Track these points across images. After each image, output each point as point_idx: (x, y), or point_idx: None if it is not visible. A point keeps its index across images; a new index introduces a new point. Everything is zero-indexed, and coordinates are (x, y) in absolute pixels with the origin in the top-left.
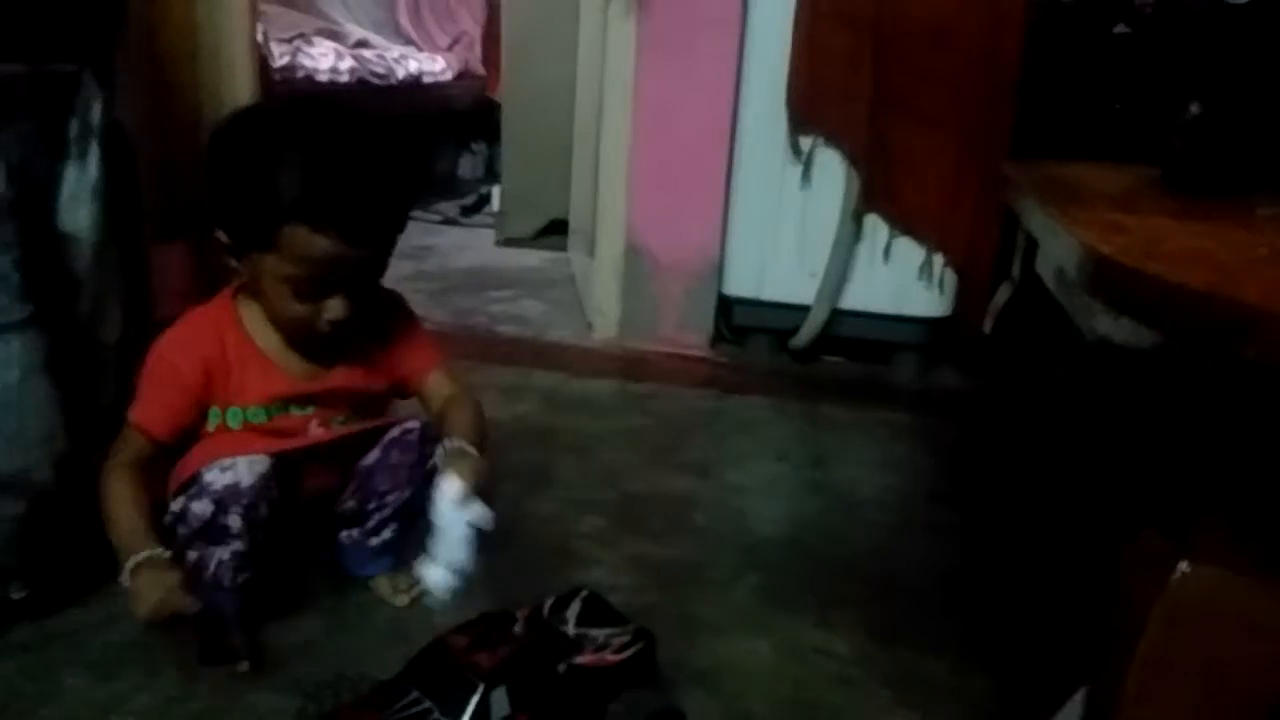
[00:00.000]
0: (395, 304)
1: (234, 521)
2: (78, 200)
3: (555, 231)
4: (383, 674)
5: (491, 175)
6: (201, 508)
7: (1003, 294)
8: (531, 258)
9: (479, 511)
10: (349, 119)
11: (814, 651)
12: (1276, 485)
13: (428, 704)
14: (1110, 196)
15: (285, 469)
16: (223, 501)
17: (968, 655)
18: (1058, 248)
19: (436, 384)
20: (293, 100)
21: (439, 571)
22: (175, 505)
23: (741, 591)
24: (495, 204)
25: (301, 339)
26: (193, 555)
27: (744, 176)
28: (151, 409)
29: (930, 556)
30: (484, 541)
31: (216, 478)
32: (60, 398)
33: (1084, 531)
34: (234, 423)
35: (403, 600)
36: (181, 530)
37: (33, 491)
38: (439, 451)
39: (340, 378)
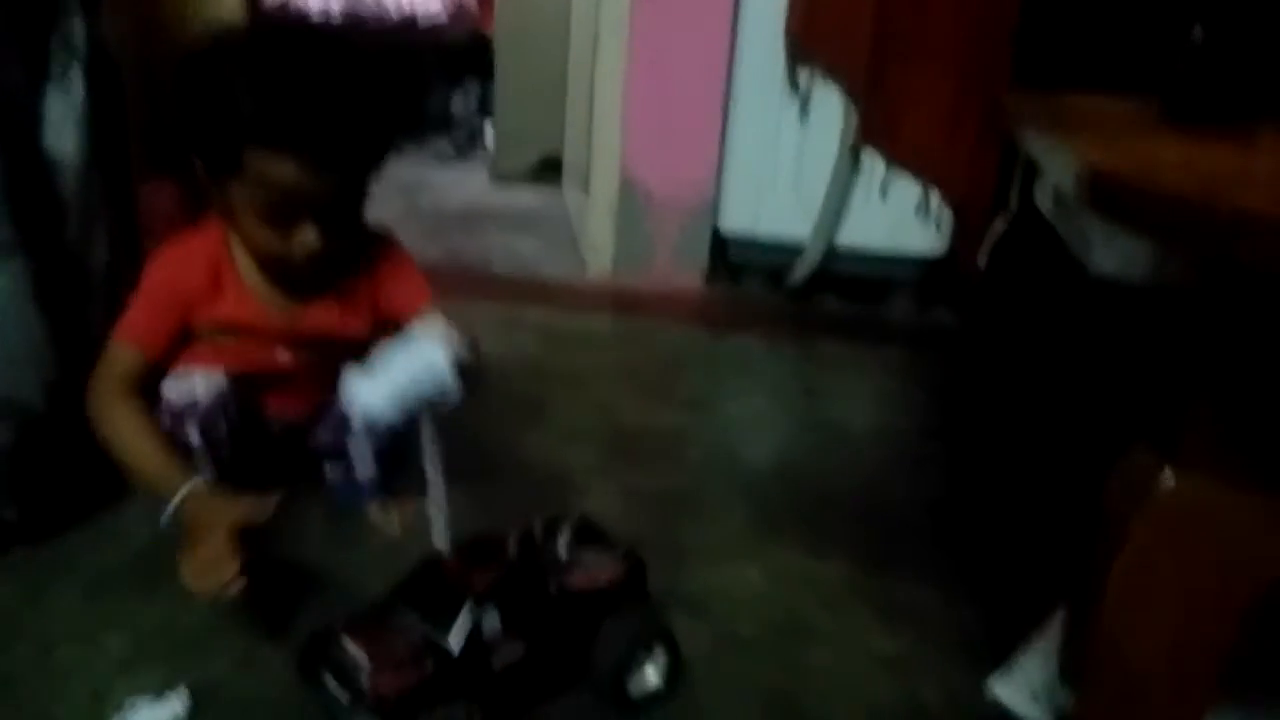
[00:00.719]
0: (385, 241)
1: (193, 435)
2: (62, 124)
3: (550, 169)
4: (376, 595)
5: (485, 111)
6: (160, 422)
7: (999, 225)
8: (525, 195)
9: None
10: (321, 43)
11: (803, 579)
12: (1264, 397)
13: (420, 621)
14: (1111, 122)
15: (247, 392)
16: (179, 415)
17: (955, 583)
18: (1056, 166)
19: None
20: (263, 24)
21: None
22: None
23: (732, 521)
24: (489, 141)
25: (277, 271)
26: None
27: (740, 112)
28: (143, 325)
29: (920, 489)
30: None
31: (173, 391)
32: (49, 324)
33: (1072, 462)
34: (201, 340)
35: (395, 529)
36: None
37: (23, 416)
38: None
39: (317, 317)
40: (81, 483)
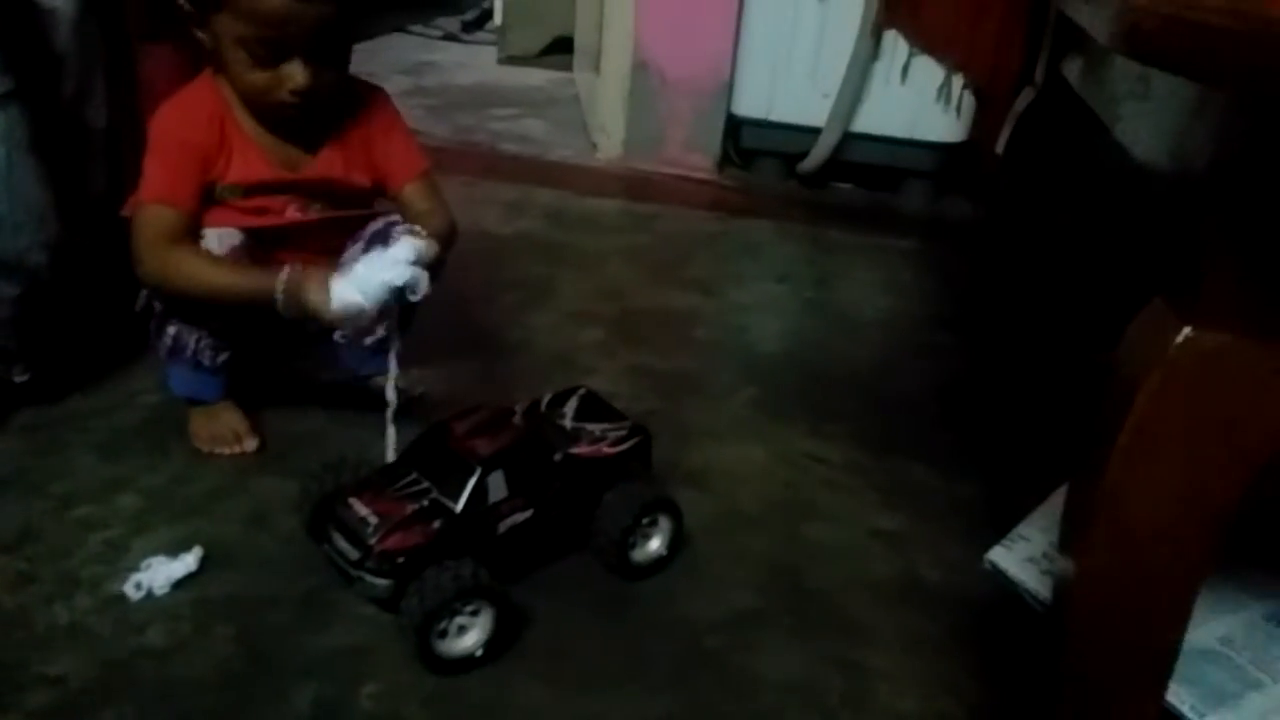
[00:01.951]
0: (377, 97)
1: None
2: None
3: (560, 49)
4: (383, 461)
5: None
6: None
7: (1023, 100)
8: (535, 76)
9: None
10: None
11: (806, 458)
12: None
13: (426, 484)
14: None
15: (260, 249)
16: None
17: (957, 463)
18: (1088, 14)
19: (414, 194)
20: None
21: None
22: (159, 306)
23: (738, 402)
24: (498, 19)
25: (269, 114)
26: (171, 331)
27: None
28: (170, 181)
29: (928, 375)
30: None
31: None
32: (49, 179)
33: (1083, 344)
34: (212, 200)
35: (400, 396)
36: (158, 306)
37: (28, 274)
38: (397, 229)
39: (322, 166)
40: (90, 344)
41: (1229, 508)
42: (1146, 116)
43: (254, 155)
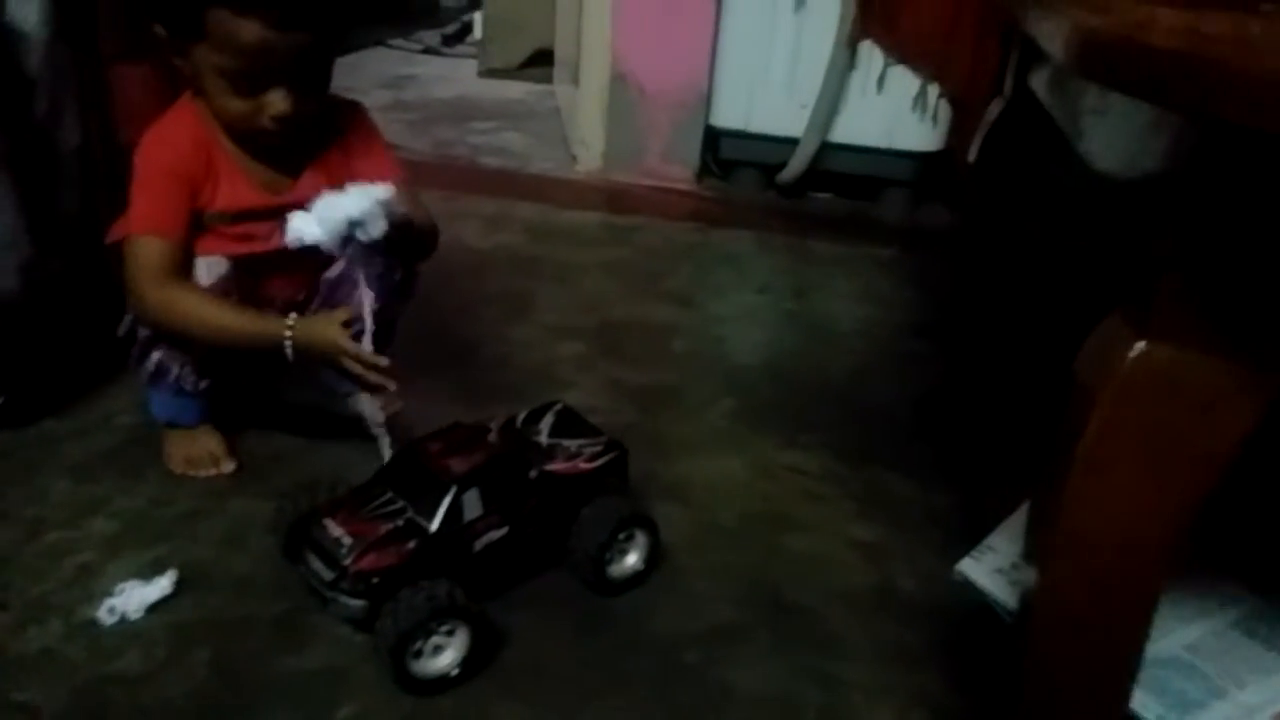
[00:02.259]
0: (355, 112)
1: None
2: None
3: (541, 62)
4: (360, 481)
5: (474, 2)
6: None
7: (993, 111)
8: (515, 89)
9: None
10: None
11: (784, 469)
12: (1235, 267)
13: (401, 504)
14: None
15: (246, 274)
16: None
17: (935, 474)
18: (1047, 31)
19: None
20: None
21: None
22: (143, 334)
23: (716, 414)
24: (478, 32)
25: (251, 141)
26: (155, 357)
27: (735, 3)
28: (159, 211)
29: (906, 385)
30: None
31: None
32: (20, 201)
33: (1054, 353)
34: (199, 227)
35: (381, 416)
36: (142, 333)
37: (0, 300)
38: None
39: (306, 188)
40: (64, 366)
41: (1185, 519)
42: (1105, 132)
43: (240, 181)
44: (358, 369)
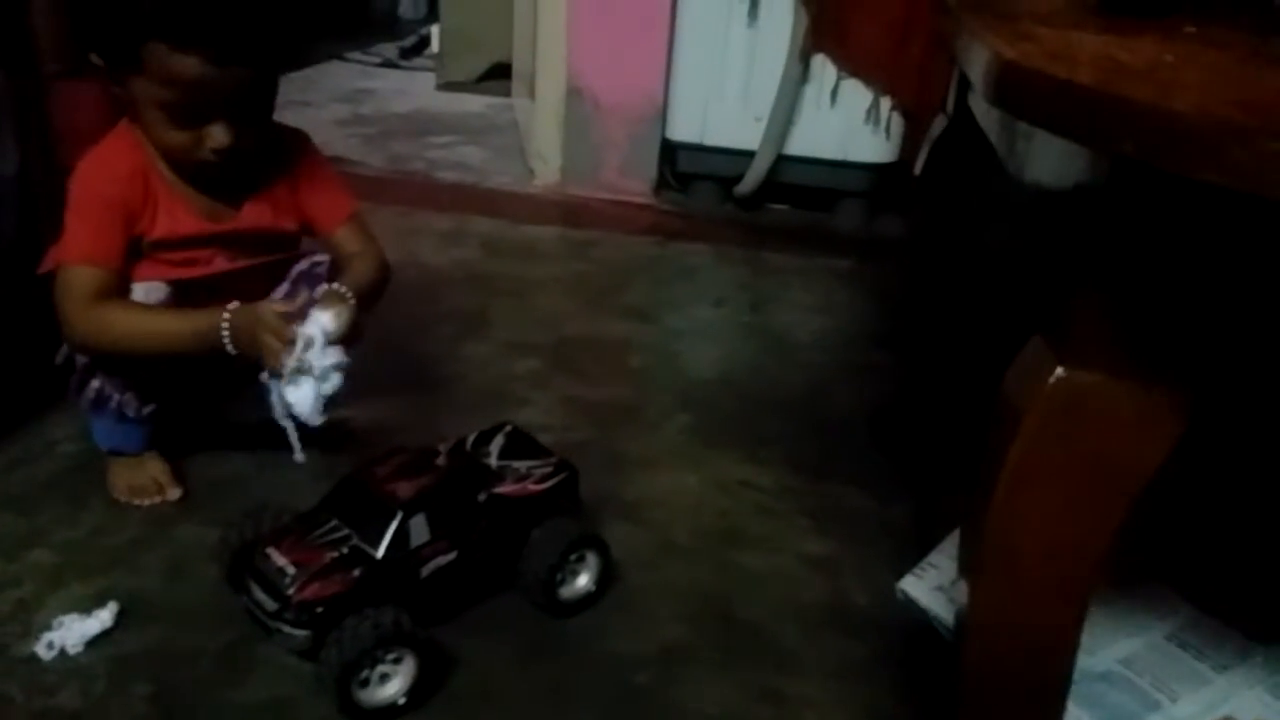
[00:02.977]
0: (300, 141)
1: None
2: None
3: (499, 75)
4: (307, 507)
5: (432, 15)
6: None
7: (936, 128)
8: (473, 103)
9: (334, 359)
10: None
11: (739, 485)
12: (1151, 292)
13: (346, 531)
14: (1038, 13)
15: (186, 299)
16: None
17: (890, 488)
18: (971, 60)
19: (344, 238)
20: None
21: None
22: (81, 360)
23: (672, 430)
24: (436, 46)
25: (191, 171)
26: (94, 385)
27: (688, 17)
28: (95, 240)
29: (862, 396)
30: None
31: None
32: None
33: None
34: (138, 254)
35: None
36: (79, 361)
37: None
38: (319, 289)
39: (248, 216)
40: (3, 395)
41: (1107, 538)
42: (1033, 153)
43: (179, 210)
44: (274, 343)
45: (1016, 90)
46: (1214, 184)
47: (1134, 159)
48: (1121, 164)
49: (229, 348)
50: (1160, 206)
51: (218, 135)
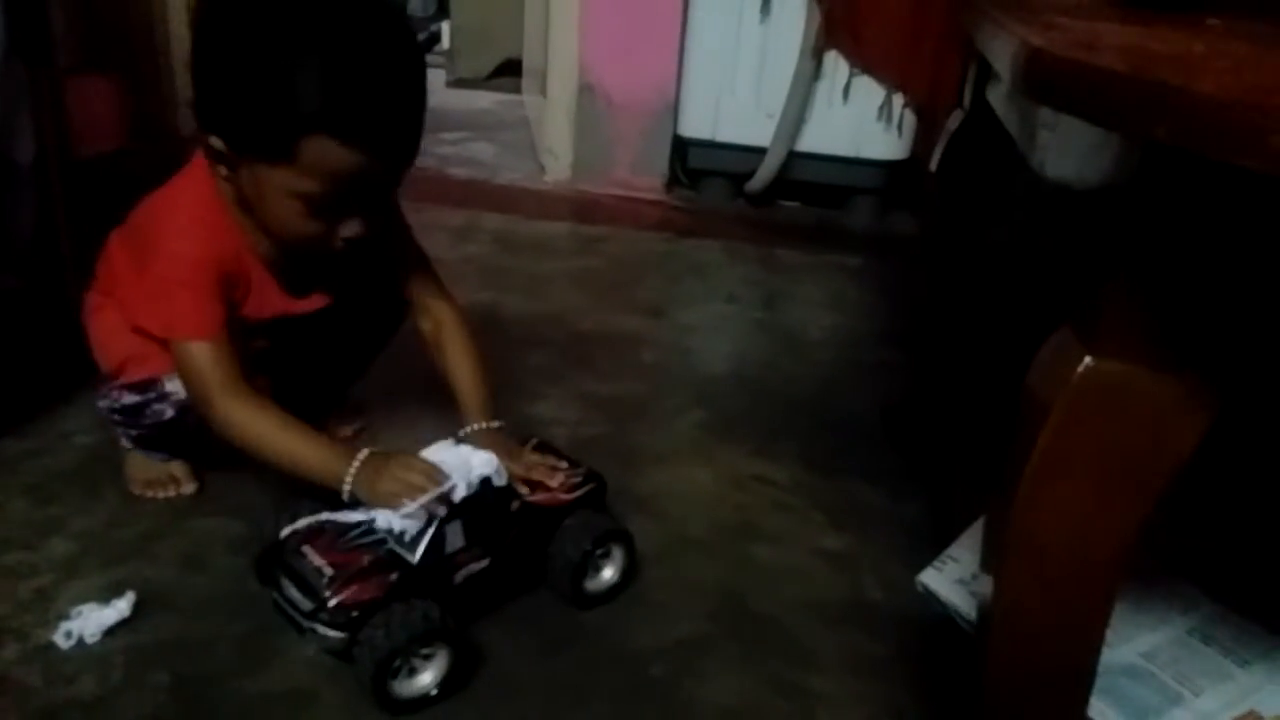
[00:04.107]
0: (401, 231)
1: (190, 421)
2: None
3: (510, 72)
4: (328, 505)
5: (443, 11)
6: (162, 409)
7: (952, 122)
8: (484, 99)
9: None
10: (381, 15)
11: (753, 480)
12: (1180, 282)
13: (383, 534)
14: (1061, 7)
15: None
16: (186, 409)
17: (904, 484)
18: (996, 49)
19: (423, 293)
20: None
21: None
22: (127, 399)
23: (685, 425)
24: (446, 42)
25: (302, 257)
26: (131, 434)
27: (701, 14)
28: (209, 313)
29: (875, 393)
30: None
31: (179, 389)
32: None
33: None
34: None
35: (347, 431)
36: (124, 415)
37: None
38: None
39: (309, 302)
40: (21, 386)
41: (1136, 527)
42: (1056, 147)
43: (270, 291)
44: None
45: (1047, 78)
46: (1251, 170)
47: (1166, 146)
48: (1152, 152)
49: (346, 497)
50: (1191, 195)
51: (353, 228)
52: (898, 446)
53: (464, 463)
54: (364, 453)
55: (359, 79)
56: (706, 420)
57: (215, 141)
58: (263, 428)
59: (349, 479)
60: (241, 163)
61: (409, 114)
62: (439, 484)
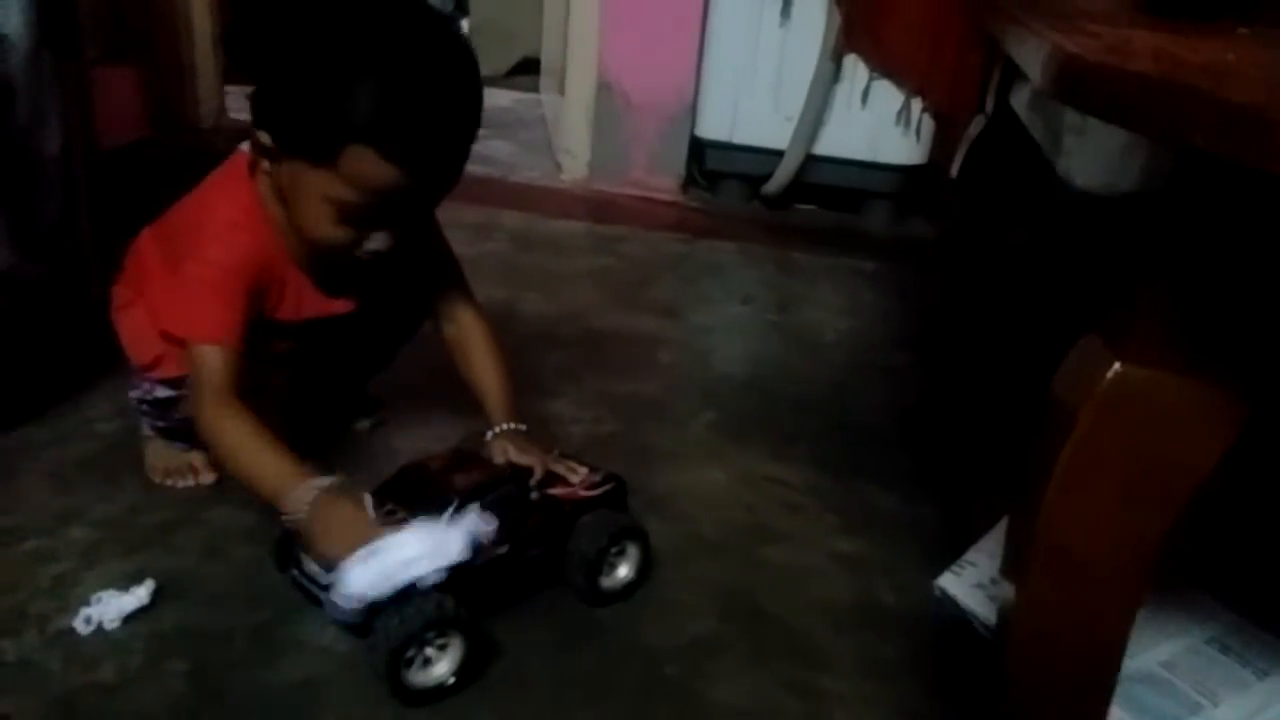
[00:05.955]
0: (442, 253)
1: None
2: (7, 2)
3: (528, 70)
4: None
5: (461, 9)
6: (145, 397)
7: (974, 128)
8: (502, 97)
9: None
10: (429, 21)
11: (767, 481)
12: (1211, 289)
13: (403, 515)
14: (1090, 13)
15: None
16: (170, 400)
17: (917, 487)
18: (1026, 54)
19: (450, 299)
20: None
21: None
22: (160, 392)
23: (699, 426)
24: None
25: (327, 261)
26: (158, 425)
27: (721, 15)
28: (230, 322)
29: (889, 397)
30: None
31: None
32: (1, 207)
33: (1034, 368)
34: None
35: (364, 424)
36: (154, 407)
37: None
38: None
39: (336, 306)
40: (44, 374)
41: (1160, 537)
42: (1084, 152)
43: (307, 293)
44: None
45: (1081, 84)
46: None
47: (1202, 152)
48: (1186, 159)
49: (289, 522)
50: (1224, 203)
51: (380, 241)
52: (911, 451)
53: (439, 546)
54: (314, 492)
55: (413, 100)
56: (721, 421)
57: (263, 136)
58: (235, 441)
59: (291, 514)
60: (284, 159)
61: (455, 142)
62: (384, 561)
